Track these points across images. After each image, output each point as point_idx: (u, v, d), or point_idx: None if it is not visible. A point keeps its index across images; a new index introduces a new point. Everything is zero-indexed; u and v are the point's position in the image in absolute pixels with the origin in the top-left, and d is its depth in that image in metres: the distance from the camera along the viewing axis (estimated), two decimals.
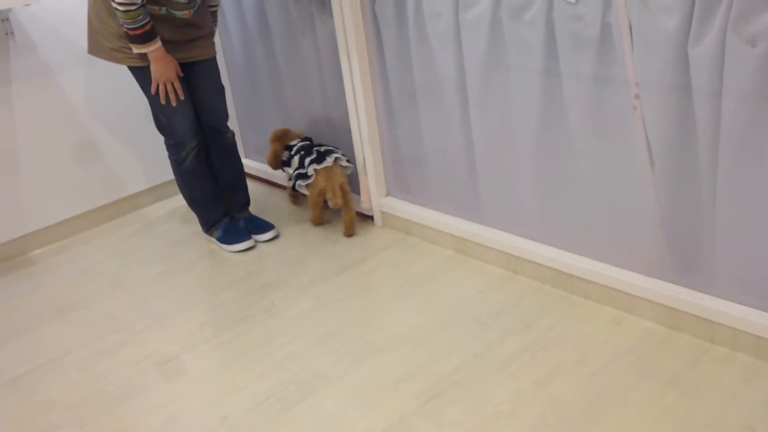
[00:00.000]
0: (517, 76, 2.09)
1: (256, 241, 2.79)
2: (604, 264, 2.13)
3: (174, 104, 2.49)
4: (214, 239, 2.82)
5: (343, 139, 2.82)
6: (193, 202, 2.79)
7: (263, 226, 2.81)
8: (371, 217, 2.84)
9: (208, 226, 2.82)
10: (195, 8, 2.43)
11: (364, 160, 2.71)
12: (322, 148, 2.75)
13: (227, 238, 2.77)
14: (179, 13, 2.39)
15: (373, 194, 2.76)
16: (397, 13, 2.36)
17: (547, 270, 2.26)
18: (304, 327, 2.25)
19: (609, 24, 1.81)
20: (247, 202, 2.87)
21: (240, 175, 2.81)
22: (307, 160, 2.71)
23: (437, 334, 2.13)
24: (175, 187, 3.13)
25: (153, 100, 2.50)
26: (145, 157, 3.19)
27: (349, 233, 2.72)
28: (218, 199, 2.79)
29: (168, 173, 3.07)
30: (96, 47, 2.48)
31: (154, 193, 3.28)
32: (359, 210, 2.83)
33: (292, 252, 2.71)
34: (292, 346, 2.17)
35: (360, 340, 2.15)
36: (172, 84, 2.46)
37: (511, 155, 2.25)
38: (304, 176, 2.71)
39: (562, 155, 2.10)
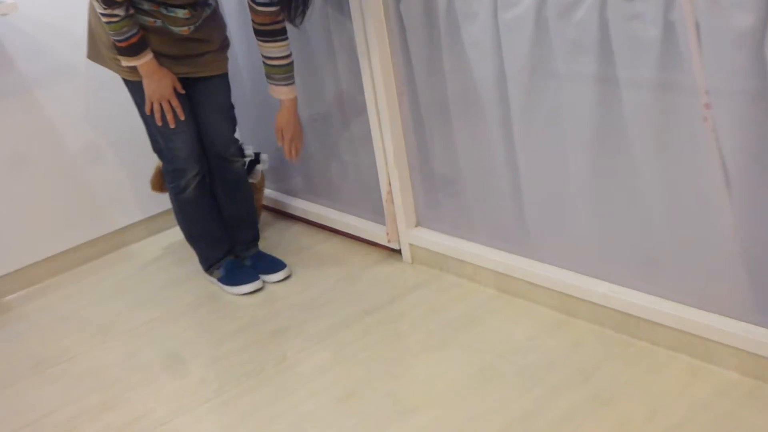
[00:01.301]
0: (566, 85, 2.11)
1: (265, 282, 2.82)
2: (675, 303, 2.13)
3: (172, 125, 2.53)
4: (215, 280, 2.85)
5: (365, 161, 2.86)
6: (192, 238, 2.84)
7: (273, 265, 2.84)
8: (398, 252, 2.86)
9: (208, 265, 2.85)
10: (196, 24, 2.47)
11: (390, 184, 2.73)
12: None
13: (231, 278, 2.81)
14: (177, 29, 2.44)
15: (401, 224, 2.78)
16: (425, 14, 2.39)
17: (609, 312, 2.26)
18: (322, 383, 2.26)
19: (672, 23, 1.82)
20: (256, 238, 2.90)
21: (248, 210, 2.85)
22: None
23: (479, 390, 2.13)
24: (172, 220, 3.11)
25: (149, 119, 2.56)
26: (138, 185, 3.23)
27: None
28: (222, 235, 2.82)
29: (164, 203, 3.12)
30: (95, 52, 2.56)
31: (147, 226, 3.32)
32: (384, 243, 2.86)
33: (306, 294, 2.74)
34: (308, 405, 2.17)
35: (388, 399, 2.15)
36: (169, 102, 2.50)
37: (562, 176, 2.25)
38: None
39: (623, 176, 2.11)
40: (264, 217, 3.32)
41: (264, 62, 2.58)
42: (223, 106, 2.66)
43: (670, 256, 2.11)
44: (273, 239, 3.13)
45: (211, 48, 2.56)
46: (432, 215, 2.75)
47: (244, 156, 2.85)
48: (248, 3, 2.46)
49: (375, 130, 2.69)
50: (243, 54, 3.15)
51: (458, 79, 2.40)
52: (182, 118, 2.54)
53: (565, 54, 2.07)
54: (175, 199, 2.72)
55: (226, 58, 2.64)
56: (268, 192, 3.34)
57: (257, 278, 2.79)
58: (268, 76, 2.60)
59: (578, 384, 2.09)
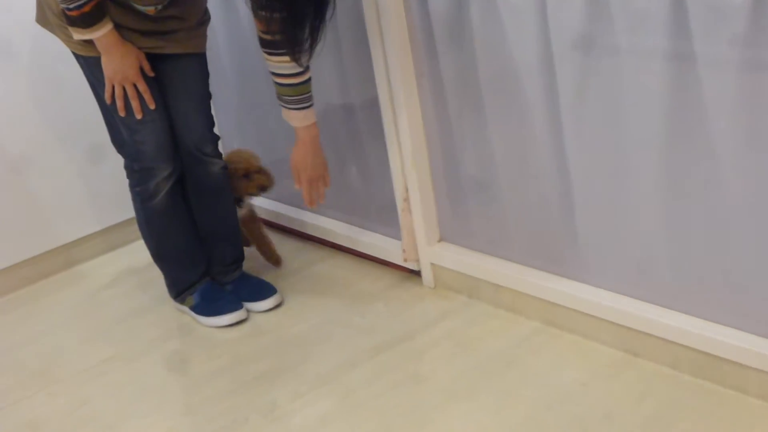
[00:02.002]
0: (629, 64, 2.10)
1: (250, 312, 2.82)
2: None
3: (138, 115, 2.51)
4: (187, 309, 2.85)
5: (376, 162, 2.86)
6: (159, 256, 2.82)
7: (261, 290, 2.84)
8: (417, 273, 2.86)
9: (179, 290, 2.85)
10: (164, 4, 2.44)
11: (407, 190, 2.73)
12: None
13: (206, 307, 2.80)
14: (141, 8, 2.42)
15: (421, 239, 2.78)
16: None
17: (684, 350, 2.25)
18: None
19: None
20: (239, 259, 2.91)
21: (230, 222, 2.86)
22: None
23: None
24: (135, 233, 3.09)
25: (108, 105, 2.54)
26: (93, 189, 3.22)
27: (276, 258, 3.03)
28: (197, 253, 2.82)
29: (124, 212, 3.12)
30: (43, 17, 2.55)
31: (104, 240, 3.33)
32: (400, 263, 2.87)
33: (302, 327, 2.74)
34: None
35: None
36: (135, 86, 2.48)
37: (624, 180, 2.25)
38: None
39: (702, 180, 2.10)
40: None
41: (273, 80, 2.55)
42: (198, 92, 2.66)
43: (763, 283, 2.09)
44: (260, 258, 3.12)
45: (185, 25, 2.55)
46: (459, 228, 2.75)
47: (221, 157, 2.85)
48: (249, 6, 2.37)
49: (388, 121, 2.69)
50: (224, 33, 3.16)
51: (493, 56, 2.39)
52: (152, 106, 2.53)
53: (627, 24, 2.06)
54: (141, 207, 2.70)
55: (204, 36, 2.62)
56: (257, 200, 3.32)
57: (240, 306, 2.79)
58: (278, 98, 2.57)
59: None
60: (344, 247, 3.09)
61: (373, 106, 2.75)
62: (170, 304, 2.93)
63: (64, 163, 3.22)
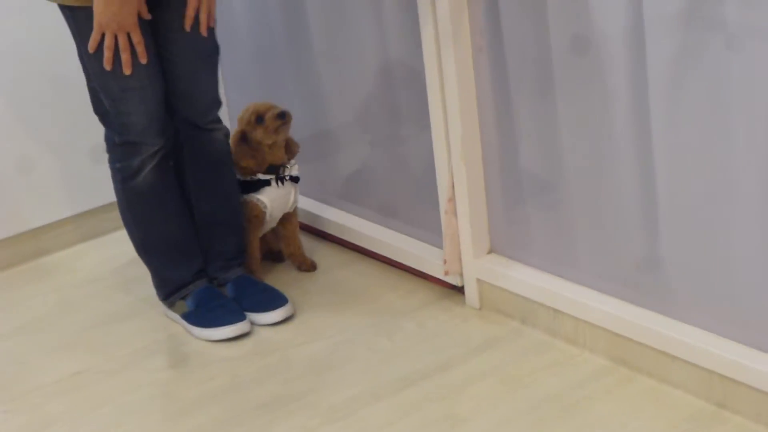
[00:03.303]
0: (742, 44, 2.08)
1: (254, 325, 2.81)
2: None
3: (127, 70, 2.51)
4: (177, 316, 2.84)
5: (416, 151, 2.87)
6: (144, 248, 2.83)
7: (268, 299, 2.84)
8: (460, 290, 2.87)
9: (168, 292, 2.84)
10: None
11: (453, 188, 2.72)
12: None
13: (202, 316, 2.79)
14: None
15: (466, 249, 2.77)
16: None
17: None
18: None
19: None
20: (240, 251, 2.92)
21: (233, 204, 2.88)
22: None
23: None
24: (115, 219, 3.11)
25: (91, 61, 2.54)
26: (67, 166, 3.26)
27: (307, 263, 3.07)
28: (190, 245, 2.84)
29: (102, 194, 3.12)
30: None
31: (77, 227, 3.35)
32: (439, 276, 2.87)
33: (316, 346, 2.74)
34: None
35: None
36: (128, 37, 2.48)
37: (726, 192, 2.24)
38: None
39: None
40: None
41: None
42: (206, 48, 2.68)
43: None
44: (269, 260, 3.13)
45: None
46: (514, 238, 2.74)
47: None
48: None
49: (435, 103, 2.69)
50: None
51: (567, 28, 2.42)
52: (143, 60, 2.53)
53: None
54: (122, 187, 2.72)
55: None
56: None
57: (243, 317, 2.77)
58: None
59: None
60: (371, 251, 3.10)
61: (416, 82, 2.75)
62: (157, 309, 2.93)
63: (32, 132, 3.25)
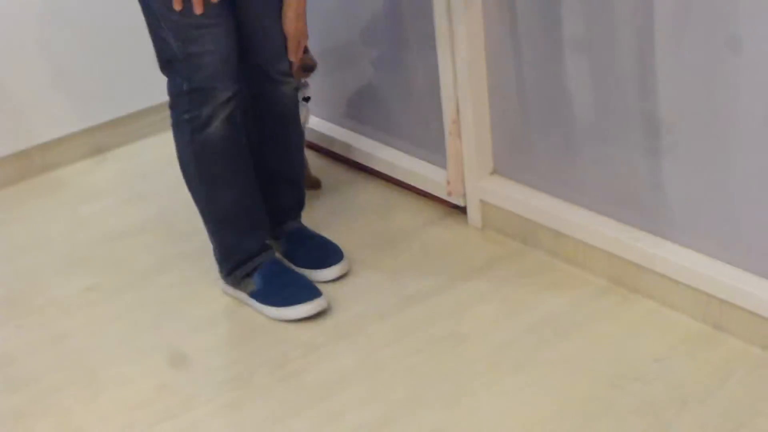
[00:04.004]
0: None
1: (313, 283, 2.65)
2: None
3: (199, 10, 2.33)
4: (244, 295, 2.64)
5: (422, 73, 2.84)
6: (210, 212, 2.62)
7: (324, 254, 2.72)
8: (463, 210, 2.87)
9: (234, 264, 2.62)
10: None
11: (457, 110, 2.72)
12: None
13: (274, 294, 2.59)
14: None
15: (470, 170, 2.78)
16: None
17: None
18: (339, 402, 2.25)
19: None
20: (300, 204, 2.82)
21: (298, 162, 2.79)
22: None
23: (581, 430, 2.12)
24: (122, 135, 3.16)
25: (158, 3, 2.38)
26: (72, 81, 3.21)
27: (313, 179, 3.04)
28: (259, 212, 2.66)
29: (109, 109, 3.13)
30: None
31: (82, 143, 3.31)
32: (442, 195, 2.88)
33: None
34: None
35: None
36: None
37: (730, 118, 2.22)
38: None
39: None
40: None
41: None
42: None
43: None
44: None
45: None
46: (518, 160, 2.74)
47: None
48: None
49: (440, 21, 2.66)
50: None
51: None
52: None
53: None
54: (190, 140, 2.51)
55: None
56: None
57: (318, 293, 2.58)
58: None
59: None
60: (377, 171, 3.11)
61: (424, 3, 2.72)
62: (168, 227, 2.93)
63: (40, 49, 3.22)
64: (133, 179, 3.17)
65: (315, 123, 3.23)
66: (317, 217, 2.92)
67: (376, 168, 3.09)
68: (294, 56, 2.59)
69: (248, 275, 2.60)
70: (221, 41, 2.43)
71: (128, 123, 3.33)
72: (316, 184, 3.06)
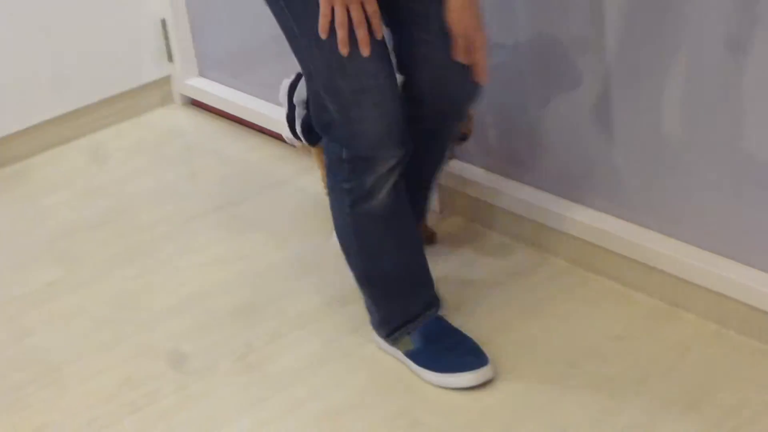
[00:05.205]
0: None
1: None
2: None
3: (366, 52, 2.02)
4: (400, 354, 2.33)
5: None
6: (370, 280, 2.33)
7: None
8: None
9: (394, 327, 2.33)
10: None
11: None
12: None
13: (436, 359, 2.28)
14: None
15: None
16: None
17: (734, 305, 2.26)
18: (301, 392, 2.27)
19: None
20: (425, 210, 2.60)
21: (438, 167, 2.50)
22: None
23: (538, 414, 2.13)
24: (81, 126, 3.15)
25: (313, 56, 2.08)
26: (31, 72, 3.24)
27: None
28: (424, 272, 2.35)
29: (70, 99, 3.18)
30: None
31: (40, 135, 3.32)
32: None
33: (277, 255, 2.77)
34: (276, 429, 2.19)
35: (402, 419, 2.17)
36: (363, 9, 1.98)
37: (688, 85, 2.22)
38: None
39: None
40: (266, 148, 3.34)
41: None
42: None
43: None
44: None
45: None
46: (475, 145, 2.66)
47: None
48: None
49: None
50: None
51: None
52: (379, 35, 2.04)
53: None
54: (350, 212, 2.22)
55: None
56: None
57: (486, 360, 2.25)
58: None
59: (686, 409, 2.09)
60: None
61: None
62: (126, 217, 2.92)
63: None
64: (90, 172, 3.17)
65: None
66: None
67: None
68: (464, 57, 2.14)
69: (408, 333, 2.31)
70: (386, 104, 2.11)
71: (86, 114, 3.33)
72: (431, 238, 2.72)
